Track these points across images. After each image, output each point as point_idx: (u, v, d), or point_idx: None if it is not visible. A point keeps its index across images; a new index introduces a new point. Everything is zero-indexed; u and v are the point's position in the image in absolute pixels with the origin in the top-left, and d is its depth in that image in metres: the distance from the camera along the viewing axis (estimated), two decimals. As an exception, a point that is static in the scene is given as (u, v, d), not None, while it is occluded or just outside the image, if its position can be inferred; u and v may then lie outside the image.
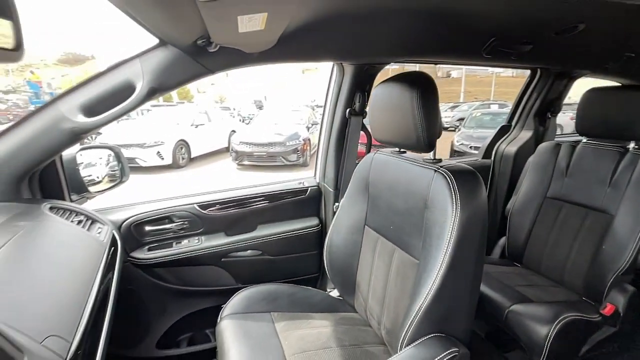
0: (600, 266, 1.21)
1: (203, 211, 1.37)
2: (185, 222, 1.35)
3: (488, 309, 1.24)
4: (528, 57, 1.42)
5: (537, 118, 1.86)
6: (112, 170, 1.23)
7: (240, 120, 11.76)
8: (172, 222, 1.34)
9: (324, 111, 1.54)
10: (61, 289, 0.63)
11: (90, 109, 0.91)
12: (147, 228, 1.30)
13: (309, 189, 1.55)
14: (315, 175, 1.62)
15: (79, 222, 0.92)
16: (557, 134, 2.01)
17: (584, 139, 1.46)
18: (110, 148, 1.23)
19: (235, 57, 0.97)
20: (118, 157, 1.22)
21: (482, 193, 0.80)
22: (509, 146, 1.89)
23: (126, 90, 0.91)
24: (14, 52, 0.36)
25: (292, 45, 1.00)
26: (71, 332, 0.55)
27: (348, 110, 1.42)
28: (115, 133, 6.28)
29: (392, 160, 1.02)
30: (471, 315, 0.81)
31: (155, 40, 0.91)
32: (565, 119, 6.75)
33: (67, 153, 1.05)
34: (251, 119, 9.25)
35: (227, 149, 7.88)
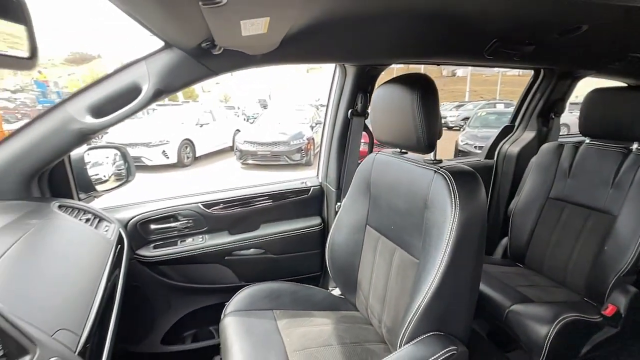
0: (602, 267, 1.21)
1: (207, 210, 1.39)
2: (190, 221, 1.38)
3: (488, 309, 1.25)
4: (531, 58, 1.42)
5: (541, 118, 1.86)
6: (118, 170, 1.25)
7: (244, 120, 11.82)
8: (177, 220, 1.36)
9: (326, 112, 1.56)
10: (70, 285, 0.66)
11: (98, 110, 0.93)
12: (153, 226, 1.33)
13: (312, 188, 1.56)
14: (317, 175, 1.64)
15: (87, 220, 0.94)
16: (564, 133, 2.01)
17: (587, 140, 1.45)
18: (117, 148, 1.25)
19: (238, 59, 0.99)
20: (124, 156, 1.25)
21: (481, 194, 0.80)
22: (512, 146, 1.88)
23: (133, 91, 0.94)
24: (29, 60, 0.38)
25: (294, 47, 1.01)
26: (80, 326, 0.57)
27: (350, 110, 1.43)
28: (121, 132, 6.35)
29: (393, 160, 1.03)
30: (470, 315, 0.82)
31: (161, 43, 0.93)
32: (572, 119, 6.69)
33: (75, 153, 1.08)
34: (255, 118, 9.29)
35: (231, 148, 7.93)
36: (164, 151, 6.38)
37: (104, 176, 1.23)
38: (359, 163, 1.19)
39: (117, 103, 0.93)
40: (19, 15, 0.42)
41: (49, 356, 0.44)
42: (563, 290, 1.33)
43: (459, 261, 0.76)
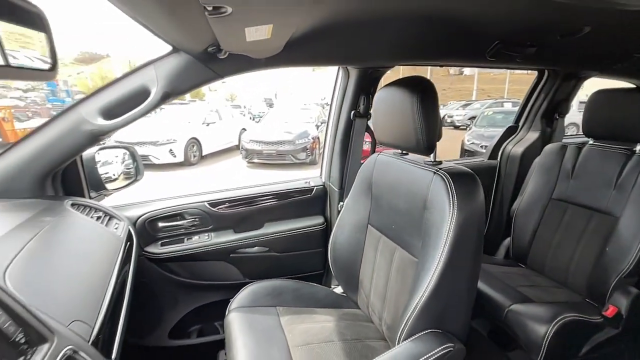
0: (604, 268, 1.21)
1: (213, 209, 1.42)
2: (196, 219, 1.41)
3: (488, 308, 1.26)
4: (533, 59, 1.42)
5: (545, 119, 1.85)
6: (127, 169, 1.29)
7: (250, 118, 11.88)
8: (184, 219, 1.40)
9: (329, 113, 1.58)
10: (83, 280, 0.69)
11: (109, 113, 0.97)
12: (160, 224, 1.37)
13: (315, 188, 1.59)
14: (321, 175, 1.66)
15: (98, 218, 0.98)
16: (573, 133, 1.99)
17: (591, 141, 1.45)
18: (126, 148, 1.29)
19: (243, 62, 1.02)
20: (133, 156, 1.29)
21: (479, 195, 0.82)
22: (516, 147, 1.88)
23: (142, 94, 0.97)
24: (50, 72, 0.41)
25: (297, 51, 1.04)
26: (93, 318, 0.60)
27: (353, 112, 1.45)
28: (130, 131, 6.43)
29: (394, 161, 1.05)
30: (468, 313, 0.84)
31: (169, 48, 0.96)
32: (581, 118, 6.58)
33: (86, 153, 1.11)
34: (261, 117, 9.34)
35: (237, 147, 7.98)
36: (171, 150, 6.46)
37: (114, 175, 1.26)
38: (362, 163, 1.21)
39: (127, 105, 0.97)
40: (39, 25, 0.45)
41: (65, 345, 0.48)
42: (564, 291, 1.34)
43: (456, 261, 0.78)
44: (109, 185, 1.21)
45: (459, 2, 0.86)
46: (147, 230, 1.34)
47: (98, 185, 1.17)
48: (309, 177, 1.65)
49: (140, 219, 1.32)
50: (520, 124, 1.96)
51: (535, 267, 1.49)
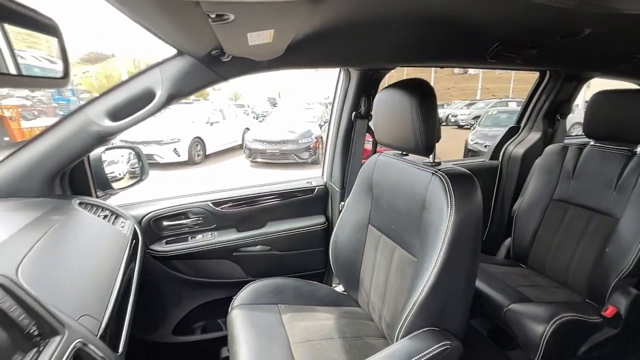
0: (604, 268, 1.22)
1: (216, 208, 1.45)
2: (200, 218, 1.44)
3: (487, 308, 1.27)
4: (534, 61, 1.42)
5: (546, 120, 1.85)
6: (132, 168, 1.32)
7: (254, 118, 11.91)
8: (188, 217, 1.42)
9: (331, 114, 1.60)
10: (91, 276, 0.72)
11: (115, 114, 1.00)
12: (165, 223, 1.39)
13: (317, 188, 1.61)
14: (322, 175, 1.68)
15: (105, 216, 1.01)
16: (580, 134, 1.99)
17: (592, 142, 1.45)
18: (131, 148, 1.32)
19: (246, 65, 1.04)
20: (138, 156, 1.32)
21: (477, 196, 0.83)
22: (517, 147, 1.88)
23: (147, 96, 1.00)
24: (63, 79, 0.43)
25: (299, 54, 1.06)
26: (100, 313, 0.63)
27: (354, 113, 1.47)
28: (135, 130, 6.45)
29: (394, 162, 1.06)
30: (466, 312, 0.85)
31: (173, 50, 0.99)
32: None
33: (93, 153, 1.14)
34: (265, 117, 9.37)
35: (241, 146, 8.02)
36: (175, 149, 6.51)
37: (119, 174, 1.29)
38: (363, 163, 1.23)
39: (133, 107, 1.00)
40: (50, 30, 0.48)
41: (75, 338, 0.50)
42: (564, 291, 1.34)
43: (454, 260, 0.79)
44: (115, 185, 1.23)
45: (457, 5, 0.87)
46: (152, 228, 1.36)
47: (104, 185, 1.20)
48: (311, 177, 1.67)
49: (146, 217, 1.34)
50: (522, 124, 1.96)
51: (535, 267, 1.50)
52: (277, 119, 7.61)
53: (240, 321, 1.04)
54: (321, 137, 6.67)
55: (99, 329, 0.59)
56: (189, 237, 1.43)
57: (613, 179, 1.30)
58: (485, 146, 6.14)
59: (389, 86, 0.99)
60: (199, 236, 1.44)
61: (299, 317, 1.10)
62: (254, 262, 1.51)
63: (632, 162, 1.27)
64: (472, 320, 1.57)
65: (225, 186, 1.56)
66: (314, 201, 1.61)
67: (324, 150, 1.71)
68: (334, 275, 1.55)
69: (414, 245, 0.92)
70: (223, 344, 1.17)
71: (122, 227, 1.02)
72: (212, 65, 1.01)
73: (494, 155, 1.98)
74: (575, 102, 1.91)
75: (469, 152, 6.69)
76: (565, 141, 1.80)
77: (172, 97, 1.00)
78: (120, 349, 0.66)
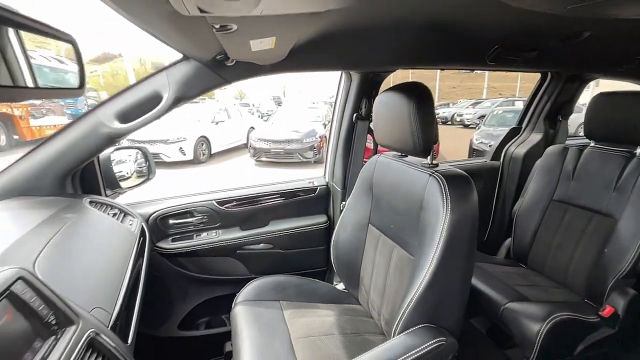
0: (602, 269, 1.23)
1: (220, 207, 1.48)
2: (205, 217, 1.47)
3: (485, 306, 1.29)
4: (534, 62, 1.43)
5: (547, 121, 1.85)
6: (139, 167, 1.36)
7: (259, 117, 11.97)
8: (193, 216, 1.46)
9: (332, 115, 1.62)
10: (102, 271, 0.76)
11: (124, 116, 1.04)
12: (171, 221, 1.43)
13: (319, 187, 1.63)
14: (324, 175, 1.71)
15: (114, 214, 1.05)
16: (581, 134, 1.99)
17: (592, 143, 1.46)
18: (139, 148, 1.36)
19: (249, 69, 1.07)
20: (145, 156, 1.36)
21: (472, 197, 0.85)
22: (518, 148, 1.89)
23: (155, 99, 1.04)
24: (79, 89, 0.47)
25: (301, 58, 1.09)
26: (111, 306, 0.67)
27: (355, 115, 1.49)
28: (142, 129, 6.55)
29: (393, 163, 1.09)
30: (461, 310, 0.87)
31: (179, 55, 1.02)
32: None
33: (102, 153, 1.18)
34: (270, 116, 9.40)
35: (245, 145, 8.07)
36: (181, 148, 6.58)
37: (127, 173, 1.33)
38: (363, 164, 1.25)
39: (141, 109, 1.04)
40: (66, 37, 0.51)
41: (88, 327, 0.54)
42: (563, 291, 1.35)
43: (449, 259, 0.81)
44: (123, 184, 1.27)
45: (456, 9, 0.89)
46: (158, 226, 1.40)
47: (113, 184, 1.24)
48: (313, 177, 1.70)
49: (153, 216, 1.38)
50: (524, 125, 1.97)
51: (535, 267, 1.51)
52: (282, 118, 7.63)
53: (244, 317, 1.07)
54: (325, 137, 6.68)
55: (109, 321, 0.63)
56: (194, 235, 1.47)
57: (612, 180, 1.31)
58: (489, 146, 6.07)
59: (388, 89, 1.01)
60: (204, 234, 1.48)
61: (300, 314, 1.13)
62: (257, 259, 1.55)
63: (631, 164, 1.28)
64: (471, 319, 1.58)
65: (229, 185, 1.59)
66: (316, 201, 1.64)
67: (326, 150, 1.74)
68: (335, 274, 1.57)
69: (412, 244, 0.94)
70: (227, 339, 1.20)
71: (131, 224, 1.06)
72: (217, 69, 1.05)
73: (496, 155, 1.99)
74: (583, 102, 1.91)
75: (473, 152, 6.66)
76: (567, 142, 1.80)
77: (179, 100, 1.04)
78: (130, 340, 0.70)
